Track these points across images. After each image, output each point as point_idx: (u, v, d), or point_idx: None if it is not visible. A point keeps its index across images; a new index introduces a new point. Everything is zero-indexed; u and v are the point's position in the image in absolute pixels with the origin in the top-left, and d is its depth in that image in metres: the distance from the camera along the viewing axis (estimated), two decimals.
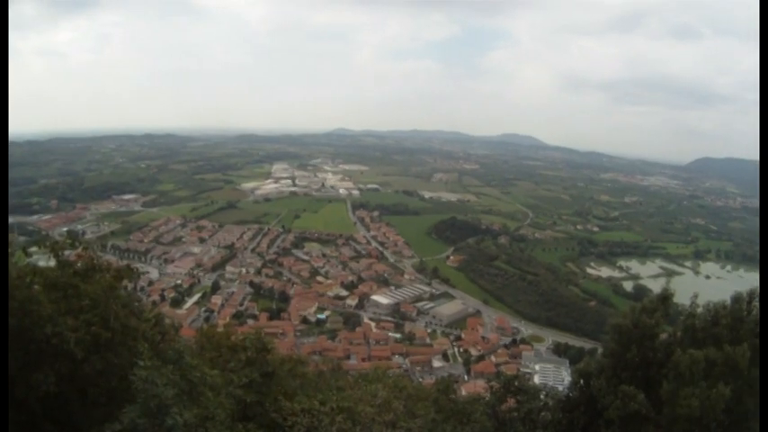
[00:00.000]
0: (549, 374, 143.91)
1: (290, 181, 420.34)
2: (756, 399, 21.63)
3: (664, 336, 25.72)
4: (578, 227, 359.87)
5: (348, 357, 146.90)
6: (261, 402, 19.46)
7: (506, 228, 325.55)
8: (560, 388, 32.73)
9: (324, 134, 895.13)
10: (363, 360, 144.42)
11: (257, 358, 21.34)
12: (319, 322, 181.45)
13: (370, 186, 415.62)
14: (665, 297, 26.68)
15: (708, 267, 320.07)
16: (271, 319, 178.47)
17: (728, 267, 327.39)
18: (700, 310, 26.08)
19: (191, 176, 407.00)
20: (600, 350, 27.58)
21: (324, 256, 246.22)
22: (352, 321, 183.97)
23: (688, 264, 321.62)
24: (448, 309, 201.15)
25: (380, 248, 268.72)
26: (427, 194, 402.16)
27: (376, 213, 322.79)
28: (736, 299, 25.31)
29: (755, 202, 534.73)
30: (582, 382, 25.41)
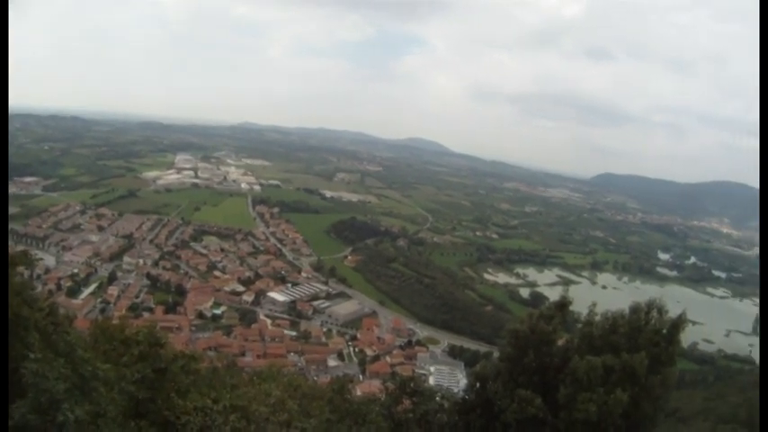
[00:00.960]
0: (445, 376, 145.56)
1: (192, 172, 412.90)
2: (653, 404, 23.79)
3: (561, 342, 26.34)
4: (477, 233, 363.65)
5: (243, 354, 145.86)
6: (153, 399, 18.74)
7: (405, 230, 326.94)
8: (456, 390, 33.09)
9: (229, 127, 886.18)
10: (259, 357, 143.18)
11: (150, 353, 20.47)
12: (215, 317, 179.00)
13: (271, 182, 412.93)
14: (563, 305, 27.19)
15: (605, 278, 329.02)
16: (167, 312, 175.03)
17: (625, 279, 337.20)
18: (597, 318, 26.64)
19: (94, 162, 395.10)
20: (496, 354, 28.13)
21: (222, 250, 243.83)
22: (248, 318, 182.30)
23: (585, 274, 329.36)
24: (344, 308, 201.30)
25: (279, 245, 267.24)
26: (329, 193, 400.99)
27: (276, 210, 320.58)
28: (635, 309, 25.91)
29: (654, 218, 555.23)
30: (478, 385, 25.58)
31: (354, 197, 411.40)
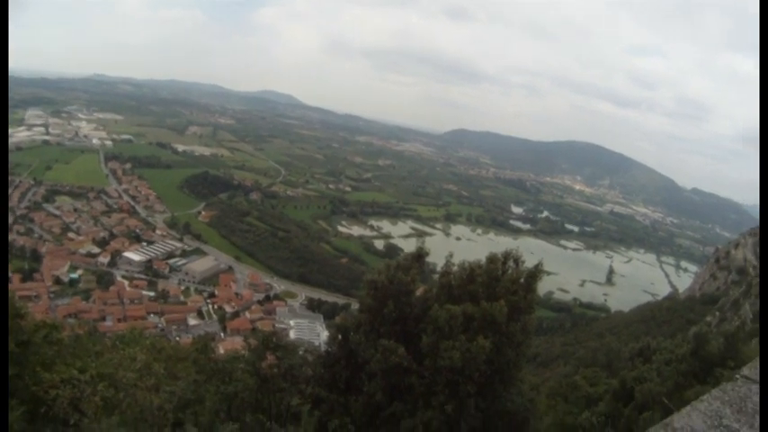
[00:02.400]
0: (305, 330, 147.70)
1: (43, 129, 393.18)
2: (515, 350, 24.51)
3: (420, 292, 26.34)
4: (331, 186, 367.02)
5: (104, 319, 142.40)
6: (20, 375, 17.17)
7: (259, 184, 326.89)
8: (317, 343, 35.43)
9: (81, 79, 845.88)
10: (119, 321, 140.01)
11: (11, 326, 17.70)
12: (72, 282, 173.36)
13: (123, 137, 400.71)
14: (420, 255, 27.52)
15: (459, 230, 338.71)
16: (23, 280, 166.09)
17: (479, 231, 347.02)
18: (455, 268, 27.06)
19: None
20: (355, 306, 29.64)
21: (75, 210, 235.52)
22: (105, 280, 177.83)
23: (439, 226, 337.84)
24: (200, 265, 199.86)
25: (132, 203, 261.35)
26: (181, 148, 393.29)
27: (128, 166, 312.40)
28: (492, 259, 26.56)
29: (507, 173, 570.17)
30: (341, 337, 25.94)
31: (207, 151, 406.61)
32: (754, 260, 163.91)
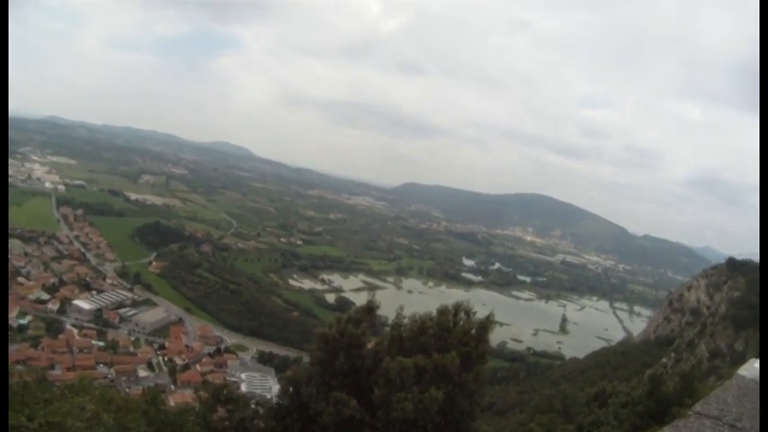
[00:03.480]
0: (256, 383, 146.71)
1: None
2: (469, 400, 24.49)
3: (371, 345, 26.31)
4: (282, 239, 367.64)
5: (53, 367, 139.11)
6: None
7: (210, 236, 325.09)
8: (269, 396, 35.21)
9: (36, 120, 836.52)
10: (69, 370, 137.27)
11: None
12: (21, 328, 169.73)
13: (76, 182, 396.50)
14: (371, 308, 27.51)
15: (411, 283, 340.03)
16: None
17: (431, 284, 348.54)
18: (406, 321, 27.03)
19: None
20: (306, 359, 28.46)
21: (26, 254, 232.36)
22: (54, 327, 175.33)
23: (391, 279, 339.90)
24: (151, 316, 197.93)
25: (83, 249, 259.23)
26: (133, 196, 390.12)
27: (80, 212, 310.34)
28: (442, 311, 26.69)
29: (459, 226, 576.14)
30: (292, 389, 25.52)
31: (159, 200, 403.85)
32: (707, 300, 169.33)
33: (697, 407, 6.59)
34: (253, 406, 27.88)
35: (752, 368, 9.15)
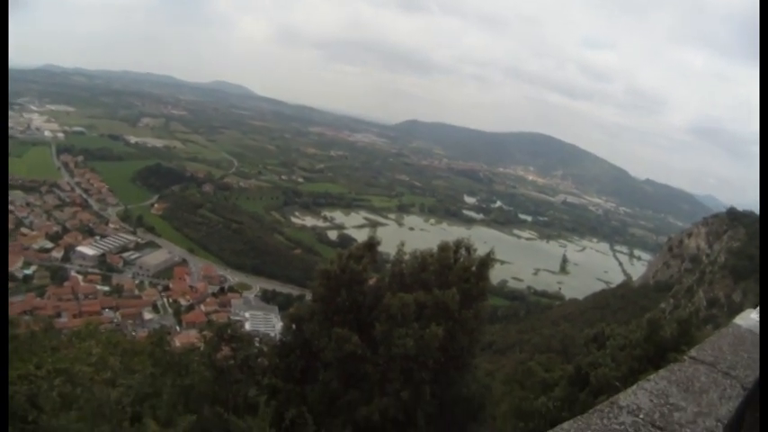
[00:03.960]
0: (260, 321, 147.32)
1: None
2: (469, 337, 25.21)
3: (372, 281, 26.68)
4: (283, 177, 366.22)
5: (59, 315, 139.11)
6: None
7: (212, 176, 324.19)
8: (273, 334, 34.76)
9: (32, 70, 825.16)
10: (75, 317, 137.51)
11: None
12: (26, 278, 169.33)
13: (76, 129, 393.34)
14: (371, 244, 27.82)
15: (412, 220, 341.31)
16: None
17: (432, 221, 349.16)
18: (407, 257, 27.71)
19: None
20: (309, 296, 27.79)
21: (28, 204, 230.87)
22: (59, 275, 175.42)
23: (392, 216, 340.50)
24: (154, 258, 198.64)
25: (85, 196, 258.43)
26: (133, 139, 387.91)
27: (80, 158, 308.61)
28: (443, 248, 27.07)
29: (460, 164, 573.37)
30: (295, 326, 26.02)
31: (159, 142, 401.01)
32: (706, 248, 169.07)
33: (692, 352, 6.53)
34: (257, 344, 27.63)
35: (748, 318, 9.01)
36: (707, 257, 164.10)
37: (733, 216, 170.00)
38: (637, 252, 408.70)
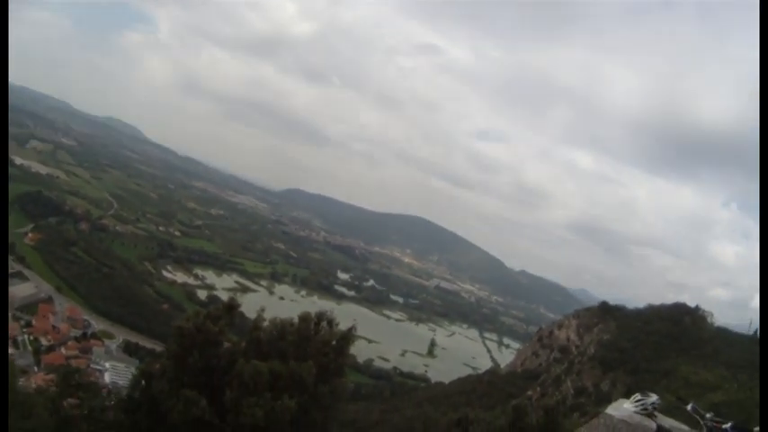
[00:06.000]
0: (121, 374, 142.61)
1: None
2: (323, 413, 24.97)
3: (228, 345, 26.19)
4: (161, 228, 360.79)
5: None
6: None
7: (90, 214, 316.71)
8: None
9: None
10: None
11: None
12: None
13: None
14: (231, 306, 27.46)
15: (283, 290, 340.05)
16: None
17: (303, 293, 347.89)
18: (266, 324, 27.30)
19: None
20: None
21: None
22: None
23: (264, 283, 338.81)
24: (20, 291, 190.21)
25: None
26: (18, 160, 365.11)
27: None
28: (304, 318, 27.00)
29: (338, 239, 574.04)
30: (144, 382, 25.10)
31: (44, 169, 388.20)
32: (576, 340, 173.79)
33: None
34: (105, 395, 29.04)
35: (621, 408, 9.78)
36: (576, 348, 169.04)
37: (605, 310, 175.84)
38: (506, 340, 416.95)
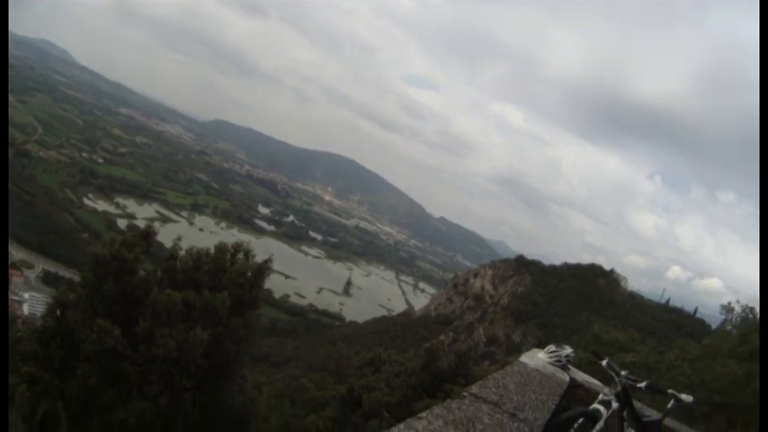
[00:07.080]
0: (39, 304, 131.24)
1: None
2: (237, 345, 24.80)
3: (143, 274, 25.55)
4: (84, 154, 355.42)
5: None
6: None
7: (14, 138, 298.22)
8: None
9: None
10: None
11: None
12: None
13: None
14: (147, 234, 27.32)
15: (203, 221, 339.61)
16: None
17: (223, 225, 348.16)
18: (182, 253, 26.83)
19: None
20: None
21: None
22: None
23: (185, 214, 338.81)
24: None
25: None
26: None
27: None
28: (221, 248, 26.73)
29: (261, 173, 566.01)
30: (59, 312, 24.09)
31: None
32: (491, 290, 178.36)
33: (473, 388, 6.38)
34: (20, 326, 29.07)
35: (535, 357, 9.81)
36: (490, 298, 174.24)
37: (521, 263, 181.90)
38: (422, 284, 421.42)
